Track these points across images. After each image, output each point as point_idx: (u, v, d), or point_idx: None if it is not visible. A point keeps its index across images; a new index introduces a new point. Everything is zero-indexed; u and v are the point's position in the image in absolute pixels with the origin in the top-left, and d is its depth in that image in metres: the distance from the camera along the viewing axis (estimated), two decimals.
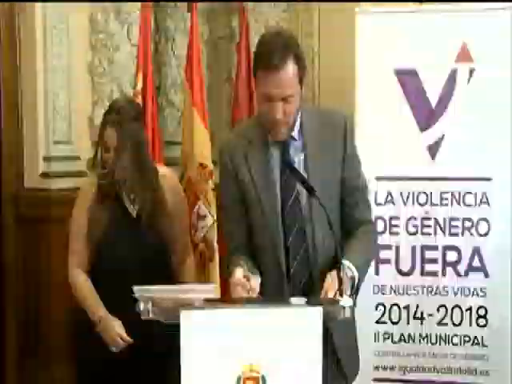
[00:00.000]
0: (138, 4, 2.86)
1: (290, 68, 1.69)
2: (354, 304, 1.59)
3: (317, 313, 1.52)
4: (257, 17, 3.29)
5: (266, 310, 1.54)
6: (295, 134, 1.82)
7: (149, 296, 1.56)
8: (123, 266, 2.05)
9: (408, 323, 2.57)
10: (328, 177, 1.80)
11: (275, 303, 1.61)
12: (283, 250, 1.79)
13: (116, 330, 2.05)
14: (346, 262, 1.71)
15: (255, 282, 1.65)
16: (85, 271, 2.13)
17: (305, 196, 1.79)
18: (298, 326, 1.52)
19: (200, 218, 2.69)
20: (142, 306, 1.56)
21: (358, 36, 2.58)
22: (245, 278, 1.64)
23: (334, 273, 1.71)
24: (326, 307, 1.55)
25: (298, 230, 1.79)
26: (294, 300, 1.59)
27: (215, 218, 2.69)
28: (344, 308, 1.57)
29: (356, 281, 1.75)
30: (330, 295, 1.66)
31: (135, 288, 1.59)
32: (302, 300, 1.59)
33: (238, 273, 1.65)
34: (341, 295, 1.61)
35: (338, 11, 3.12)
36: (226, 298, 1.64)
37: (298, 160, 1.80)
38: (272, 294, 1.74)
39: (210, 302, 1.54)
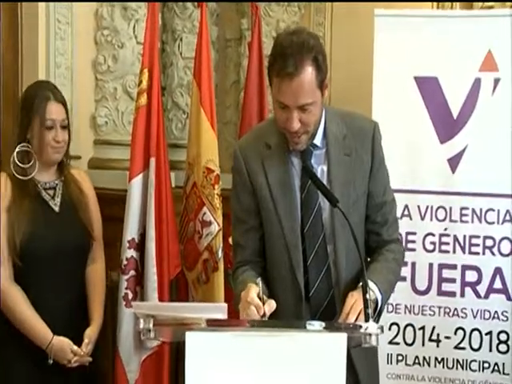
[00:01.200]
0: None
1: (308, 74, 1.48)
2: (382, 330, 1.37)
3: (341, 340, 1.31)
4: (268, 20, 3.09)
5: (283, 334, 1.32)
6: (318, 141, 1.61)
7: (150, 314, 1.34)
8: (50, 263, 1.97)
9: (423, 345, 2.36)
10: (353, 189, 1.60)
11: (291, 327, 1.39)
12: (302, 269, 1.58)
13: (71, 349, 1.98)
14: (369, 283, 1.50)
15: (270, 307, 1.44)
16: (12, 279, 1.97)
17: (327, 210, 1.58)
18: (319, 354, 1.31)
19: (205, 225, 2.46)
20: (141, 324, 1.33)
21: (376, 41, 2.38)
22: (260, 300, 1.43)
23: (356, 294, 1.51)
24: (350, 333, 1.33)
25: (319, 248, 1.58)
26: (310, 324, 1.37)
27: (221, 225, 2.47)
28: (370, 335, 1.36)
29: (379, 304, 1.55)
30: (351, 318, 1.45)
31: (134, 304, 1.38)
32: (321, 324, 1.37)
33: (254, 292, 1.45)
34: (366, 320, 1.39)
35: (351, 14, 2.93)
36: (232, 319, 1.41)
37: (320, 170, 1.60)
38: (288, 316, 1.53)
39: (214, 323, 1.31)
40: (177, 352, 2.49)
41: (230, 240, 2.48)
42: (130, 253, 2.37)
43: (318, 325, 1.36)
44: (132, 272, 2.36)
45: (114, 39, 2.81)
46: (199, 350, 1.28)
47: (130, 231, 2.38)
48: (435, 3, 2.81)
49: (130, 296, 2.33)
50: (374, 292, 1.54)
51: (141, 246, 2.39)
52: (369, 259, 1.67)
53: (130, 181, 2.40)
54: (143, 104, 2.40)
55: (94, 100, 2.85)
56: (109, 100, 2.83)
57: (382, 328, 1.38)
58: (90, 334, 2.04)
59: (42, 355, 1.97)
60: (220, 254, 2.45)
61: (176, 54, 3.02)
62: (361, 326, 1.37)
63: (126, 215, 2.38)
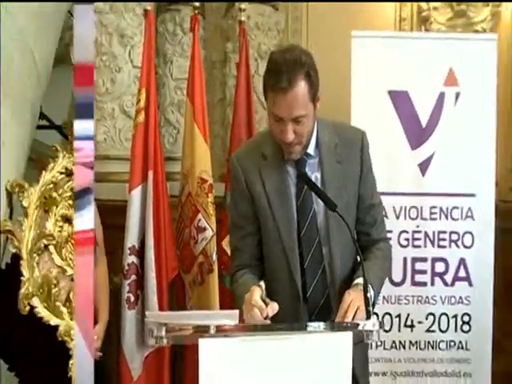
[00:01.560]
0: (142, 27, 2.51)
1: (301, 88, 1.38)
2: (381, 326, 1.26)
3: (347, 338, 1.18)
4: (250, 43, 2.96)
5: (292, 336, 1.19)
6: (311, 150, 1.50)
7: (162, 322, 1.19)
8: None
9: (399, 331, 2.29)
10: (345, 194, 1.49)
11: (294, 329, 1.26)
12: (300, 271, 1.46)
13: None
14: (362, 281, 1.39)
15: (273, 310, 1.32)
16: None
17: (322, 214, 1.48)
18: (327, 353, 1.19)
19: (200, 231, 2.33)
20: (155, 332, 1.19)
21: (353, 59, 2.29)
22: (263, 302, 1.31)
23: (352, 292, 1.39)
24: (354, 331, 1.21)
25: (315, 250, 1.47)
26: (312, 326, 1.24)
27: (215, 230, 2.33)
28: (371, 332, 1.24)
29: (371, 299, 1.43)
30: (350, 316, 1.33)
31: (148, 313, 1.22)
32: (321, 325, 1.24)
33: (257, 294, 1.33)
34: (368, 317, 1.27)
35: (326, 36, 2.83)
36: (238, 325, 1.27)
37: (314, 177, 1.49)
38: (287, 316, 1.40)
39: (222, 329, 1.18)
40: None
41: (223, 244, 2.36)
42: (131, 259, 2.24)
43: (319, 325, 1.24)
44: (133, 277, 2.24)
45: (112, 64, 2.68)
46: (212, 355, 1.14)
47: (131, 239, 2.24)
48: (397, 24, 2.76)
49: (132, 299, 2.22)
50: (368, 289, 1.42)
51: (141, 253, 2.26)
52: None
53: (129, 192, 2.27)
54: (141, 121, 2.26)
55: (94, 120, 2.69)
56: (107, 119, 2.69)
57: (380, 324, 1.26)
58: (98, 330, 1.95)
59: None
60: (214, 257, 2.33)
61: (167, 75, 2.89)
62: (358, 324, 1.26)
63: (126, 224, 2.25)
